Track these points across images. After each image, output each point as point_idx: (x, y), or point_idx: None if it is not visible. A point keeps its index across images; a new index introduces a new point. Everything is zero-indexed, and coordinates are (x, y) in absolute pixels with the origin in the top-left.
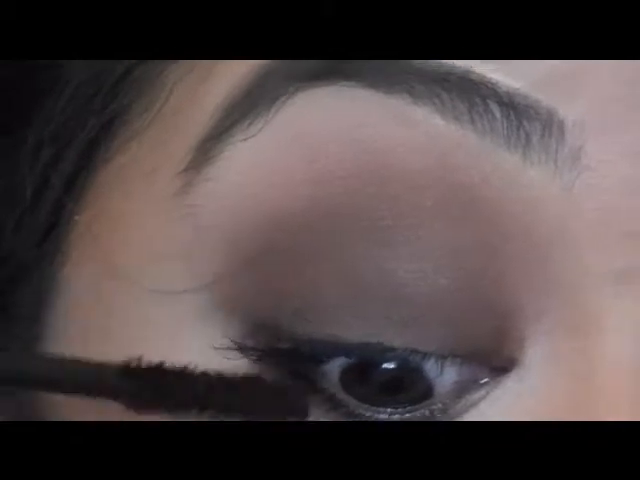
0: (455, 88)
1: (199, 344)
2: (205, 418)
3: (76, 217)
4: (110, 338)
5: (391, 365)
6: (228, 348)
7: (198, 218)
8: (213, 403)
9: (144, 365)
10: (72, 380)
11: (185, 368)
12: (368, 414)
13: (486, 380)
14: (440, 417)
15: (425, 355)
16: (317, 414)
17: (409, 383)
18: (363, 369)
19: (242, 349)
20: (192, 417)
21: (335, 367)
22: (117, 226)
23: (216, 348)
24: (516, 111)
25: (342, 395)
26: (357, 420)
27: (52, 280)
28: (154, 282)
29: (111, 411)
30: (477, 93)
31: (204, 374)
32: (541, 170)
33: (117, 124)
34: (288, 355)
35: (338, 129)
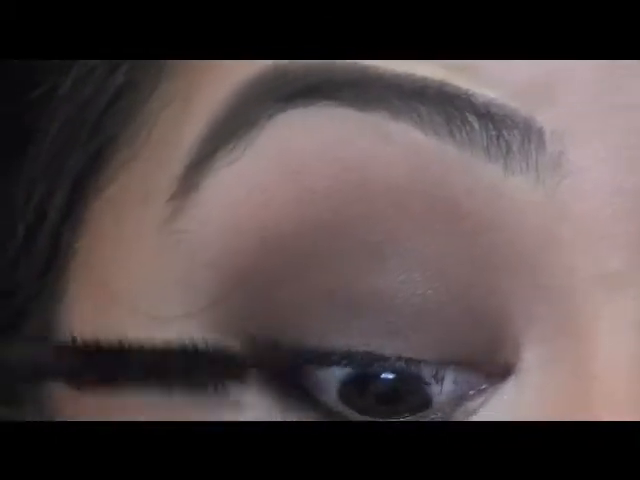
0: (432, 102)
1: None
2: (146, 394)
3: (75, 245)
4: None
5: (389, 376)
6: None
7: (188, 244)
8: (152, 374)
9: (80, 344)
10: (21, 362)
11: (121, 343)
12: None
13: (483, 387)
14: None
15: (420, 364)
16: None
17: (407, 393)
18: (361, 381)
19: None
20: (133, 394)
21: (333, 380)
22: (113, 254)
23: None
24: (494, 121)
25: (340, 408)
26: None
27: (54, 311)
28: (150, 308)
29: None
30: (454, 106)
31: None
32: (523, 179)
33: (105, 155)
34: (282, 370)
35: (320, 148)
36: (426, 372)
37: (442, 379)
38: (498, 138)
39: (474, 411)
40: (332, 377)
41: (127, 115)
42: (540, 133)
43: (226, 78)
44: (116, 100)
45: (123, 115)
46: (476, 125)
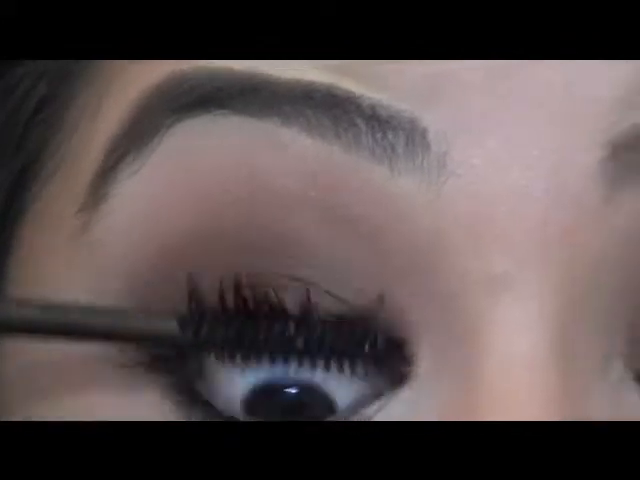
0: (320, 105)
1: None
2: None
3: (7, 260)
4: (37, 372)
5: (292, 390)
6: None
7: (98, 255)
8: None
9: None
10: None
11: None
12: None
13: (382, 393)
14: None
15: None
16: None
17: (310, 402)
18: (265, 393)
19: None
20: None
21: (237, 392)
22: (39, 270)
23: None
24: (380, 123)
25: (245, 418)
26: None
27: None
28: None
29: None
30: (342, 108)
31: None
32: (409, 180)
33: (29, 172)
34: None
35: (217, 157)
36: (327, 380)
37: (342, 387)
38: (383, 139)
39: (370, 418)
40: (237, 392)
41: (49, 128)
42: (424, 133)
43: (128, 88)
44: (39, 112)
45: (45, 128)
46: (362, 127)
